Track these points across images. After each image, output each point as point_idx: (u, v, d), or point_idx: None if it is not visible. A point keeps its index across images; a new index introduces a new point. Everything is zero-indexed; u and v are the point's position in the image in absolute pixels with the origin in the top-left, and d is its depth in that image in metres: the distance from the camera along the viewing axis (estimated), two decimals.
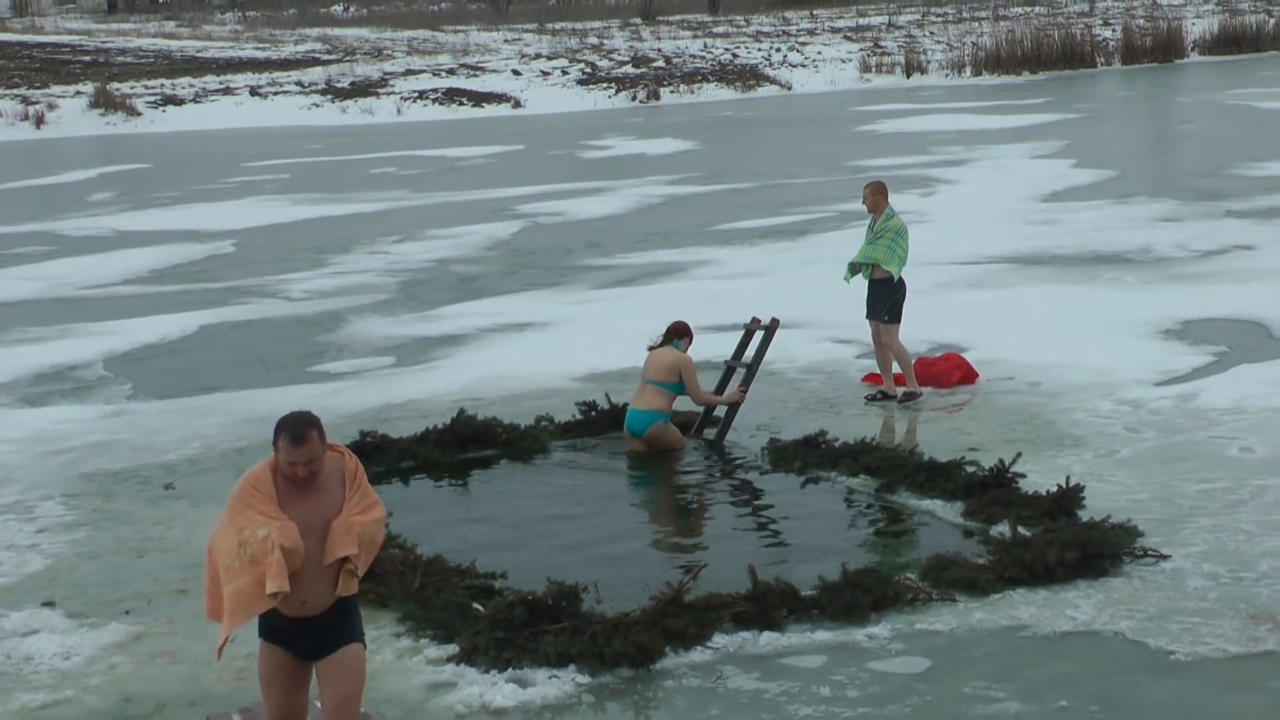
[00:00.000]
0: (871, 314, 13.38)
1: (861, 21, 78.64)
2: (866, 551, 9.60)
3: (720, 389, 12.88)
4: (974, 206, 24.92)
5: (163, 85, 57.47)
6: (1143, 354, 14.42)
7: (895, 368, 13.37)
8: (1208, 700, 7.33)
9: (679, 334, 12.39)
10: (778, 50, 64.12)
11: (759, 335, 12.91)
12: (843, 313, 16.20)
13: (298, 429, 6.10)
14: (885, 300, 13.24)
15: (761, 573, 8.66)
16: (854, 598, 8.49)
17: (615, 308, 18.15)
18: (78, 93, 54.18)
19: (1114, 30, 63.03)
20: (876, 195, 13.40)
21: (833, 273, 17.12)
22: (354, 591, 6.29)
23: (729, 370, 13.03)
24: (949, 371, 13.77)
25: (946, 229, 22.19)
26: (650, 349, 12.41)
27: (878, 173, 27.63)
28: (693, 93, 53.95)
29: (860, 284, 13.65)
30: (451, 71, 59.45)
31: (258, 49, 73.09)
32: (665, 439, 12.07)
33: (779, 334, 13.07)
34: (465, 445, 12.19)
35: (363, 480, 6.28)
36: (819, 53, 62.57)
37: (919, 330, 13.35)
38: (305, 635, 6.28)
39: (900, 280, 13.24)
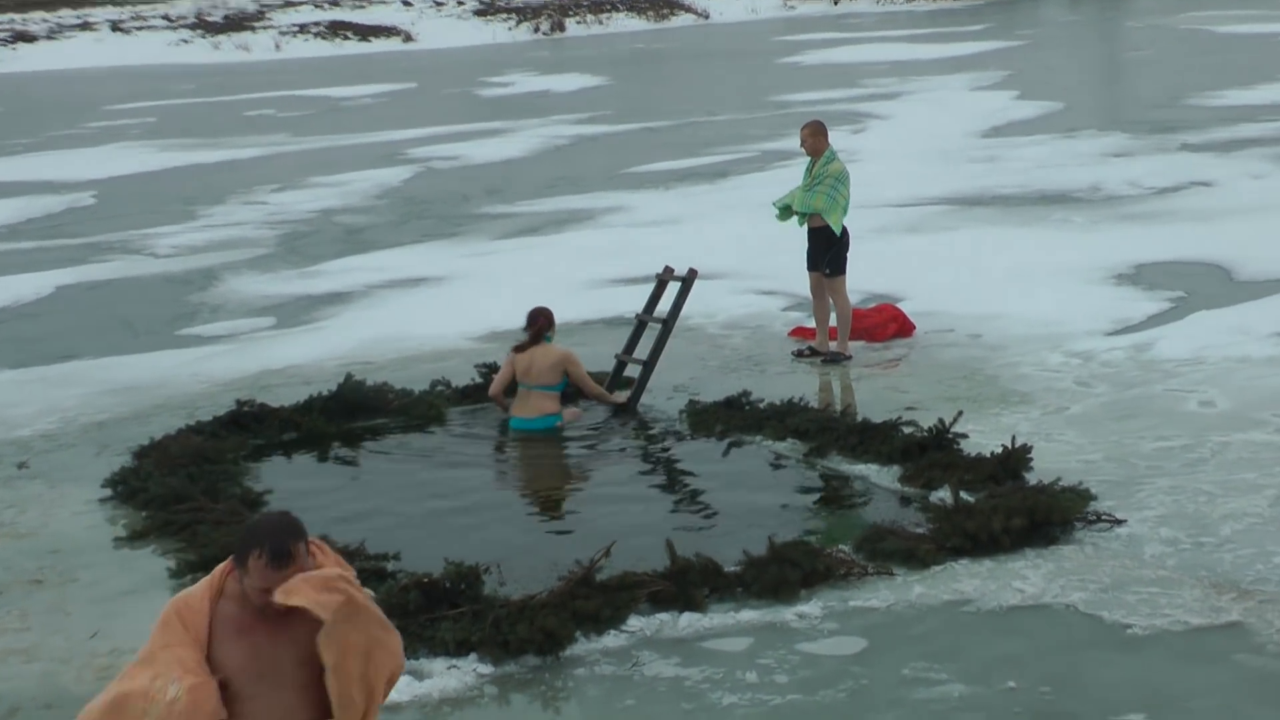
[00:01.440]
0: (812, 265, 13.31)
1: None
2: (795, 522, 9.59)
3: (631, 345, 12.81)
4: (908, 143, 25.03)
5: (12, 20, 56.67)
6: (1093, 301, 14.52)
7: (833, 321, 13.32)
8: (1168, 677, 7.37)
9: (547, 325, 12.13)
10: None
11: (674, 287, 12.86)
12: (767, 262, 16.22)
13: (279, 544, 4.63)
14: (825, 250, 13.17)
15: (680, 548, 8.64)
16: (782, 573, 8.48)
17: (518, 260, 18.10)
18: None
19: None
20: (816, 137, 13.29)
21: (756, 218, 17.14)
22: None
23: (640, 325, 12.97)
24: (883, 324, 13.80)
25: (879, 168, 22.26)
26: (517, 350, 12.07)
27: (804, 109, 27.70)
28: (601, 23, 53.87)
29: (791, 228, 13.61)
30: (335, 3, 58.99)
31: None
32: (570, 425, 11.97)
33: (697, 286, 13.02)
34: (353, 414, 12.12)
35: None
36: None
37: (850, 280, 13.36)
38: None
39: (843, 229, 13.18)
